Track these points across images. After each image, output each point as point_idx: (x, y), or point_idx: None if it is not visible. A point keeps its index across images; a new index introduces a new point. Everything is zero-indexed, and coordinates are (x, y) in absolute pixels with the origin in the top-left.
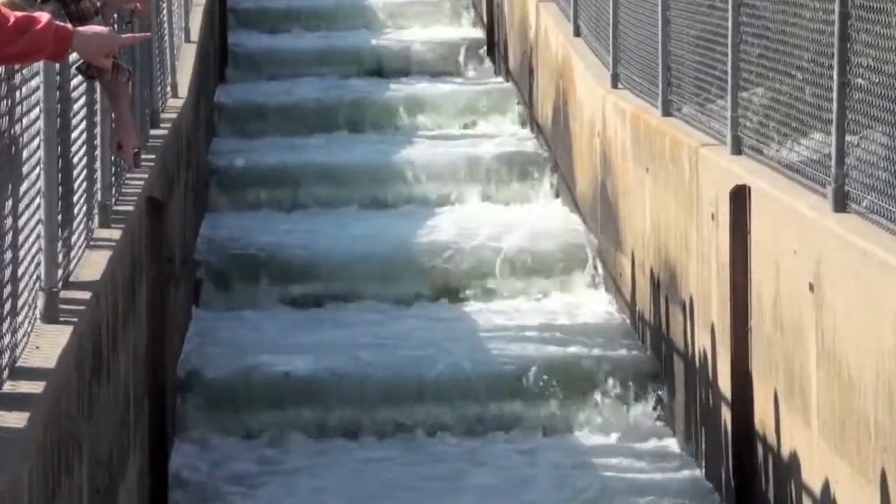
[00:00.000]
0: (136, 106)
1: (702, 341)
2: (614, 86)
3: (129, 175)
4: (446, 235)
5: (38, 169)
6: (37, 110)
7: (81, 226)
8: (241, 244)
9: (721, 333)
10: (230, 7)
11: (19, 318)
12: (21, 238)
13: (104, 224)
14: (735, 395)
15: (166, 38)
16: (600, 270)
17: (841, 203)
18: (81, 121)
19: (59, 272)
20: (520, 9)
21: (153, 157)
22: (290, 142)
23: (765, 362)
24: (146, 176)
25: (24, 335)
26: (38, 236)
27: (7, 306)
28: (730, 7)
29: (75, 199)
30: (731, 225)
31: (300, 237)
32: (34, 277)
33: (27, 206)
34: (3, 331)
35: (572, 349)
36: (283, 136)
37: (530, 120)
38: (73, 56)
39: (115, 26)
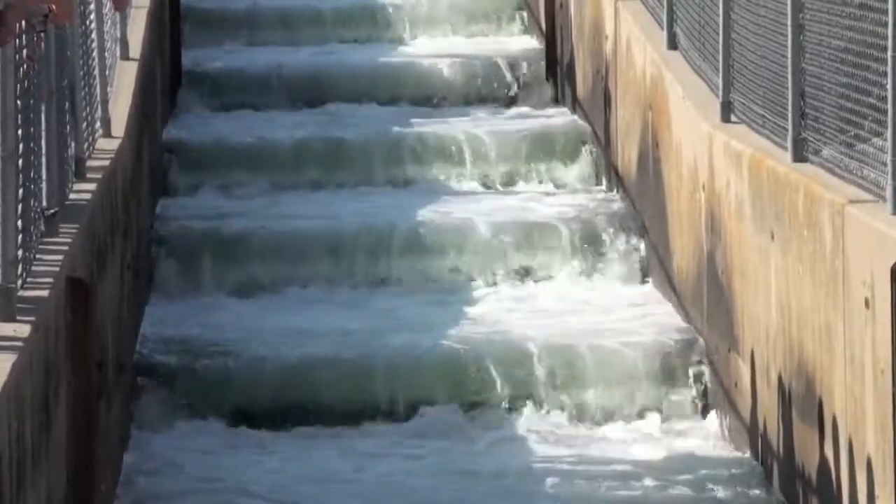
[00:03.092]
0: (48, 150)
1: (853, 480)
2: (726, 118)
3: (41, 246)
4: (481, 331)
5: None
6: None
7: None
8: (199, 342)
9: (881, 470)
10: (185, 8)
11: None
12: None
13: (6, 316)
14: None
15: (94, 53)
16: (707, 379)
17: None
18: None
19: None
20: (592, 9)
21: (76, 221)
22: (267, 199)
23: None
24: (66, 248)
25: None
26: None
27: None
28: (891, 7)
29: None
30: (895, 314)
31: (282, 333)
32: None
33: None
34: None
35: (674, 492)
36: (256, 191)
37: (606, 168)
38: None
39: (24, 36)
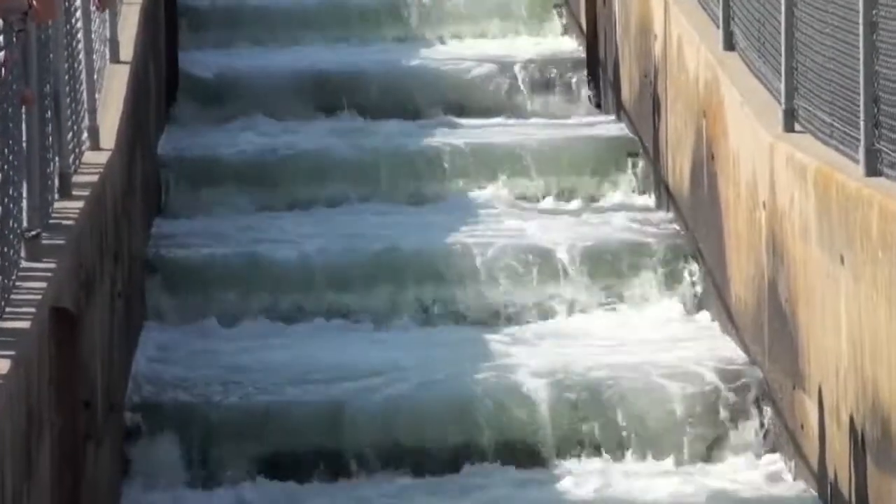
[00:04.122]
0: (30, 164)
1: None
2: (789, 128)
3: (22, 272)
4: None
5: None
6: None
7: None
8: (202, 379)
9: None
10: (183, 4)
11: None
12: None
13: None
14: None
15: (81, 56)
16: (769, 419)
17: None
18: None
19: None
20: (639, 5)
21: (61, 244)
22: (271, 221)
23: None
24: (49, 275)
25: None
26: None
27: None
28: None
29: None
30: None
31: (300, 370)
32: None
33: None
34: None
35: None
36: (260, 212)
37: (655, 182)
38: None
39: (1, 36)
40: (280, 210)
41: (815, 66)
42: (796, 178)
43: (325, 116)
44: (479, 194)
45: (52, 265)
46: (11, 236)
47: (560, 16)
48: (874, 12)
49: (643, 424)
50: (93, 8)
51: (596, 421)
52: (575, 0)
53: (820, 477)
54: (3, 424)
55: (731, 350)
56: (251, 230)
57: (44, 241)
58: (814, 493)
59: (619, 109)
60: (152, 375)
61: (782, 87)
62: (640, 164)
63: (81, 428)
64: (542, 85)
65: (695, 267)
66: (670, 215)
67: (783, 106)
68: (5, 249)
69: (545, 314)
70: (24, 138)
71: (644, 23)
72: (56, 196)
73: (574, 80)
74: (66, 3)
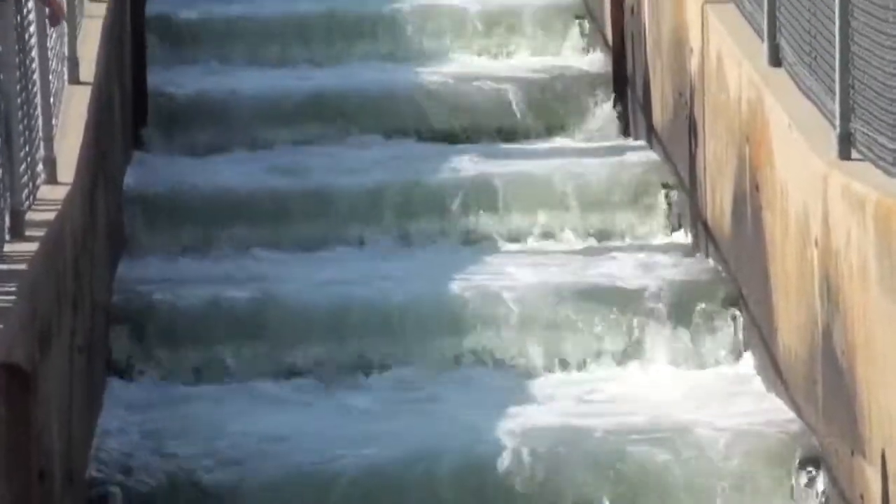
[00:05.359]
0: None
1: None
2: (845, 154)
3: None
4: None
5: None
6: None
7: None
8: (173, 444)
9: None
10: (152, 17)
11: None
12: None
13: None
14: None
15: (35, 76)
16: (824, 490)
17: None
18: None
19: None
20: (673, 15)
21: (12, 291)
22: (257, 262)
23: None
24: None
25: None
26: None
27: None
28: None
29: None
30: None
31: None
32: None
33: None
34: None
35: None
36: (240, 251)
37: (691, 217)
38: None
39: None
40: (263, 247)
41: (874, 83)
42: (853, 211)
43: (317, 143)
44: (479, 231)
45: (2, 316)
46: None
47: (582, 28)
48: None
49: (681, 492)
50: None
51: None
52: (599, 9)
53: None
54: None
55: (777, 408)
56: (230, 272)
57: None
58: None
59: (650, 133)
60: (118, 441)
61: (837, 107)
62: (675, 195)
63: (36, 502)
64: (560, 105)
65: (737, 314)
66: (709, 253)
67: (838, 129)
68: None
69: (566, 365)
70: None
71: (678, 35)
72: (7, 237)
73: (599, 100)
74: (18, 17)
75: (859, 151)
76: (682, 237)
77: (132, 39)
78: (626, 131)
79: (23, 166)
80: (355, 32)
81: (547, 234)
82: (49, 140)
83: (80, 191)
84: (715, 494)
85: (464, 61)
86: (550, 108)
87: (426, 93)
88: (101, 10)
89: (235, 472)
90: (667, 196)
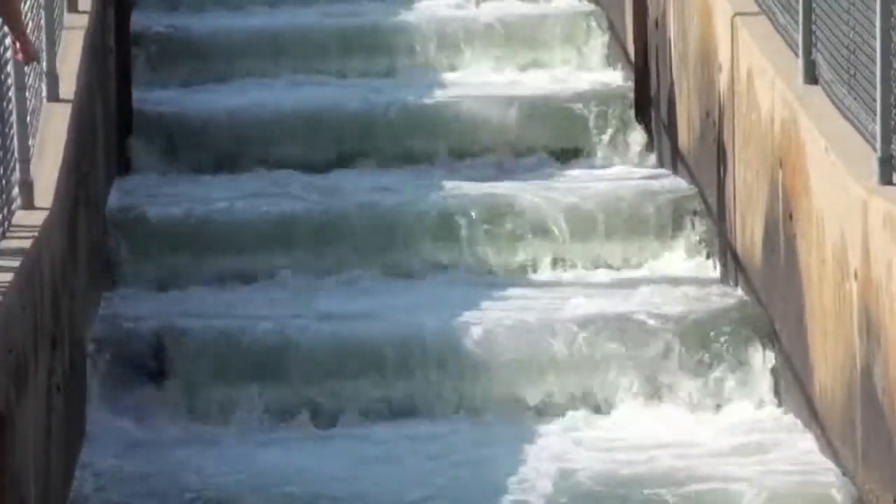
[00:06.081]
0: None
1: None
2: (886, 179)
3: None
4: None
5: None
6: None
7: None
8: (161, 490)
9: None
10: (137, 30)
11: None
12: None
13: None
14: None
15: (11, 93)
16: None
17: None
18: None
19: None
20: (700, 28)
21: None
22: (246, 294)
23: None
24: None
25: None
26: None
27: None
28: None
29: None
30: None
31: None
32: None
33: None
34: None
35: None
36: (231, 283)
37: (721, 247)
38: None
39: None
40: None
41: None
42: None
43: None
44: (496, 258)
45: None
46: None
47: (602, 42)
48: None
49: None
50: (29, 28)
51: None
52: (620, 22)
53: None
54: None
55: (813, 452)
56: (221, 308)
57: None
58: None
59: (675, 157)
60: (100, 489)
61: (878, 128)
62: (702, 224)
63: None
64: (579, 126)
65: (770, 352)
66: (739, 287)
67: (879, 153)
68: None
69: (593, 406)
70: None
71: (706, 50)
72: None
73: (620, 120)
74: None
75: None
76: (710, 269)
77: (116, 52)
78: (649, 152)
79: None
80: (349, 49)
81: (558, 261)
82: (25, 162)
83: (58, 216)
84: None
85: (478, 77)
86: (567, 129)
87: (438, 110)
88: (83, 20)
89: None
90: (693, 224)
